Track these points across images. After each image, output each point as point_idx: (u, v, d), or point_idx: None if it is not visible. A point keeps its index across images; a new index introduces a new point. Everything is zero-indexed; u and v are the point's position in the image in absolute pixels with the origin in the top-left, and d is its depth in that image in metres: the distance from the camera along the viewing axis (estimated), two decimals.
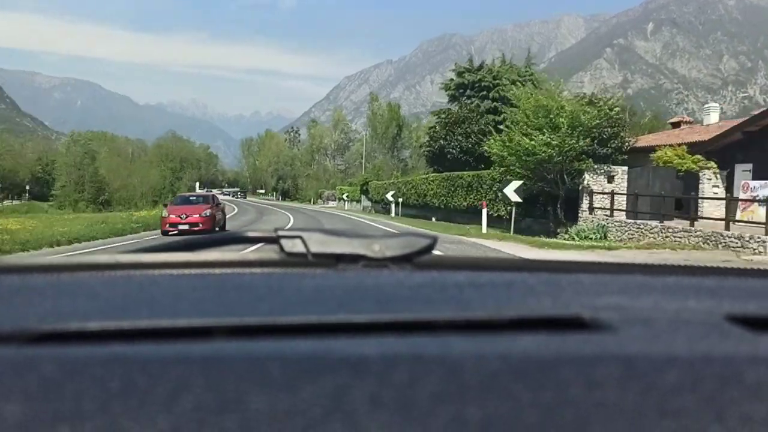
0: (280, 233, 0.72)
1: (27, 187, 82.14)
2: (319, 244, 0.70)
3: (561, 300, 0.62)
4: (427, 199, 32.84)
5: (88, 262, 0.72)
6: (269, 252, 0.74)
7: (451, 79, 46.51)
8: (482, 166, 31.43)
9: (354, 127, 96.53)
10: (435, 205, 31.73)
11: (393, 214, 37.13)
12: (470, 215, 27.32)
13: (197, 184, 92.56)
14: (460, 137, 34.18)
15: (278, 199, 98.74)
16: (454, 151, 34.16)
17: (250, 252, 0.78)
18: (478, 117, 35.49)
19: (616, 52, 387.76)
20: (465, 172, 28.79)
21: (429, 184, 32.85)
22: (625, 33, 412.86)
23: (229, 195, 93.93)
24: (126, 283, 0.65)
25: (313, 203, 75.08)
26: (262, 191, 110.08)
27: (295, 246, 0.70)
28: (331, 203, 67.45)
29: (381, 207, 44.42)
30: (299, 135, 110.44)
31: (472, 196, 27.07)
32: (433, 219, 31.03)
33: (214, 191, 76.43)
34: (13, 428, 0.33)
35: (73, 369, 0.40)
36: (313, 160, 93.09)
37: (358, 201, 53.30)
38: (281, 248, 0.71)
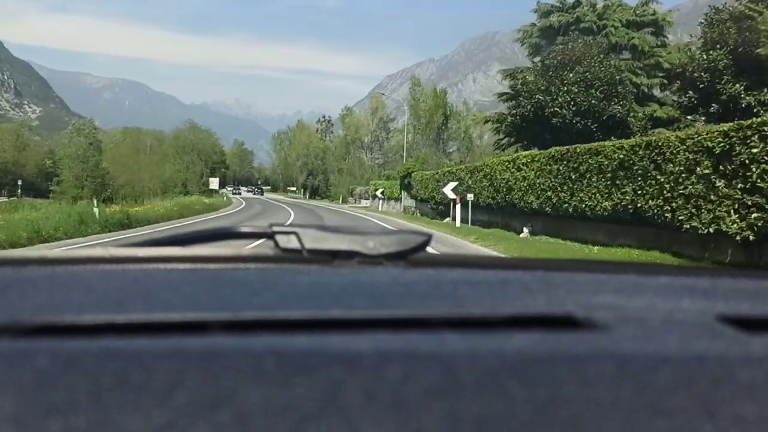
0: (276, 229, 0.71)
1: (19, 182, 70.52)
2: (314, 241, 0.70)
3: (555, 298, 0.62)
4: (514, 196, 18.34)
5: (83, 255, 0.71)
6: (264, 248, 0.74)
7: (533, 24, 31.62)
8: (612, 137, 17.13)
9: (394, 126, 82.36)
10: (530, 205, 17.25)
11: (457, 222, 22.08)
12: (626, 228, 12.84)
13: (216, 180, 80.00)
14: (574, 88, 19.23)
15: (305, 197, 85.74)
16: (564, 112, 19.32)
17: (247, 248, 0.77)
18: (600, 59, 20.59)
19: None
20: (602, 143, 13.95)
21: (521, 169, 17.99)
22: None
23: (239, 193, 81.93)
24: (121, 276, 0.65)
25: (342, 202, 61.44)
26: (293, 188, 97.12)
27: (290, 242, 0.70)
28: (364, 202, 53.55)
29: (430, 208, 30.17)
30: (332, 125, 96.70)
31: (625, 191, 12.51)
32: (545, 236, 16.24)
33: (227, 188, 67.77)
34: (7, 421, 0.33)
35: (68, 362, 0.39)
36: (348, 153, 79.30)
37: (397, 199, 39.13)
38: (276, 244, 0.70)
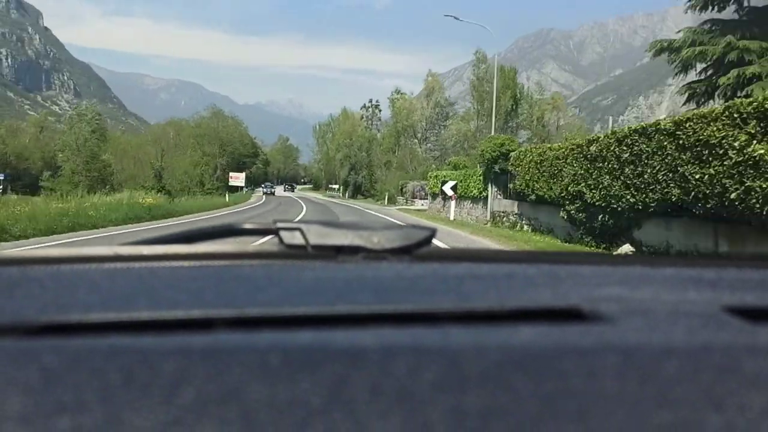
0: (280, 225, 0.71)
1: (2, 177, 57.54)
2: (319, 236, 0.69)
3: (560, 291, 0.61)
4: None
5: (88, 254, 0.70)
6: (269, 244, 0.72)
7: None
8: None
9: (454, 111, 65.87)
10: None
11: None
12: None
13: (241, 176, 65.61)
14: None
15: (344, 196, 70.52)
16: None
17: (254, 245, 0.76)
18: None
19: None
20: None
21: None
22: None
23: (270, 192, 68.21)
24: (126, 274, 0.64)
25: (389, 202, 45.69)
26: (335, 186, 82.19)
27: (294, 238, 0.69)
28: (419, 202, 37.63)
29: (565, 218, 14.07)
30: (380, 110, 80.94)
31: None
32: None
33: (263, 186, 61.16)
34: (15, 420, 0.33)
35: (74, 361, 0.39)
36: (397, 144, 63.53)
37: (476, 198, 23.06)
38: (281, 240, 0.70)
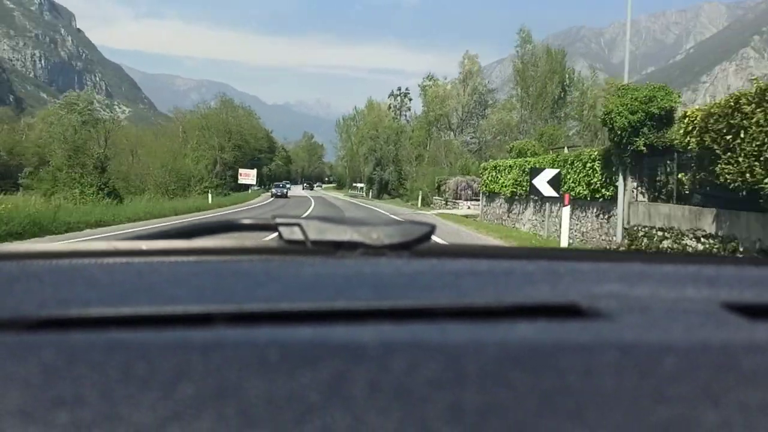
0: (279, 221, 0.70)
1: None
2: (318, 232, 0.68)
3: (559, 288, 0.60)
4: None
5: (87, 249, 0.69)
6: (269, 240, 0.71)
7: None
8: None
9: (494, 99, 55.90)
10: None
11: None
12: None
13: (251, 173, 56.68)
14: None
15: (368, 196, 61.17)
16: None
17: (252, 239, 0.75)
18: None
19: (765, 39, 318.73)
20: None
21: None
22: None
23: (281, 193, 58.71)
24: (125, 269, 0.63)
25: (423, 204, 35.68)
26: (360, 184, 72.84)
27: (293, 233, 0.68)
28: (465, 204, 27.81)
29: None
30: (410, 99, 71.00)
31: None
32: None
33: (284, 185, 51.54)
34: (14, 414, 0.32)
35: (73, 355, 0.39)
36: (429, 137, 53.93)
37: (584, 199, 12.92)
38: (280, 236, 0.69)
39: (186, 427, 0.32)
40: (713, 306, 0.54)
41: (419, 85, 57.48)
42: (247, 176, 58.25)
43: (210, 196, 30.55)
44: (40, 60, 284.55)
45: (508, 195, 18.47)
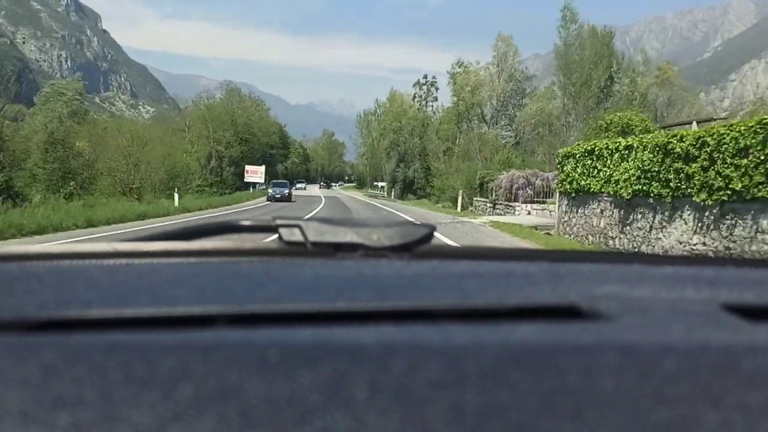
0: (279, 222, 0.70)
1: None
2: (318, 233, 0.68)
3: (559, 289, 0.60)
4: None
5: (87, 250, 0.69)
6: (269, 241, 0.71)
7: None
8: None
9: (532, 87, 48.14)
10: None
11: None
12: None
13: (259, 170, 49.80)
14: None
15: (390, 197, 53.55)
16: None
17: (257, 242, 0.75)
18: None
19: None
20: None
21: None
22: None
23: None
24: (125, 271, 0.63)
25: (460, 209, 27.47)
26: (381, 183, 65.47)
27: (293, 235, 0.68)
28: (524, 209, 20.15)
29: None
30: (436, 88, 63.18)
31: None
32: None
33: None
34: (15, 415, 0.32)
35: (74, 357, 0.38)
36: (459, 130, 46.41)
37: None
38: (280, 237, 0.68)
39: (186, 428, 0.32)
40: (713, 307, 0.53)
41: (448, 72, 49.86)
42: (255, 174, 51.26)
43: (176, 197, 23.20)
44: (66, 60, 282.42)
45: (626, 196, 10.77)
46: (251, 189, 50.35)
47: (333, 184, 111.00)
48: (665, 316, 0.51)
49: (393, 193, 53.77)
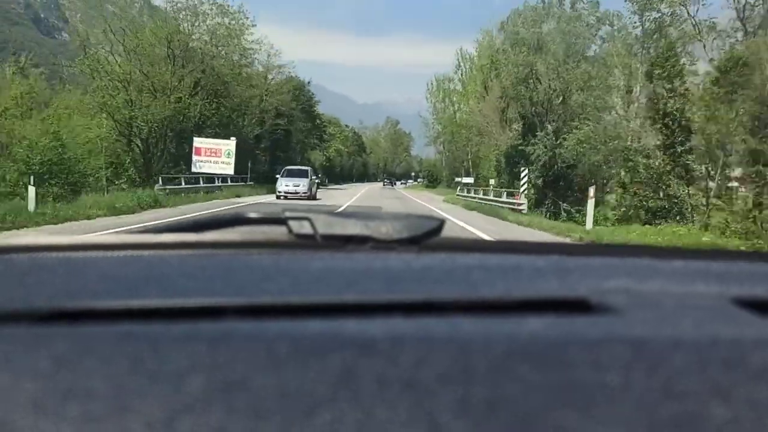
0: (288, 214, 0.68)
1: None
2: (327, 226, 0.66)
3: (568, 282, 0.58)
4: None
5: (98, 241, 0.68)
6: (278, 233, 0.70)
7: None
8: None
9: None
10: None
11: None
12: None
13: (228, 148, 20.81)
14: None
15: (526, 206, 21.20)
16: None
17: (260, 233, 0.73)
18: None
19: None
20: None
21: None
22: None
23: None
24: (136, 262, 0.61)
25: None
26: (467, 179, 36.14)
27: (303, 227, 0.66)
28: None
29: None
30: None
31: None
32: None
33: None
34: (26, 405, 0.32)
35: (84, 348, 0.38)
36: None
37: None
38: (289, 230, 0.67)
39: (196, 419, 0.31)
40: (723, 302, 0.52)
41: None
42: (214, 155, 23.06)
43: (32, 194, 10.27)
44: None
45: None
46: (218, 183, 23.56)
47: (397, 182, 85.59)
48: (675, 310, 0.49)
49: (522, 197, 23.12)
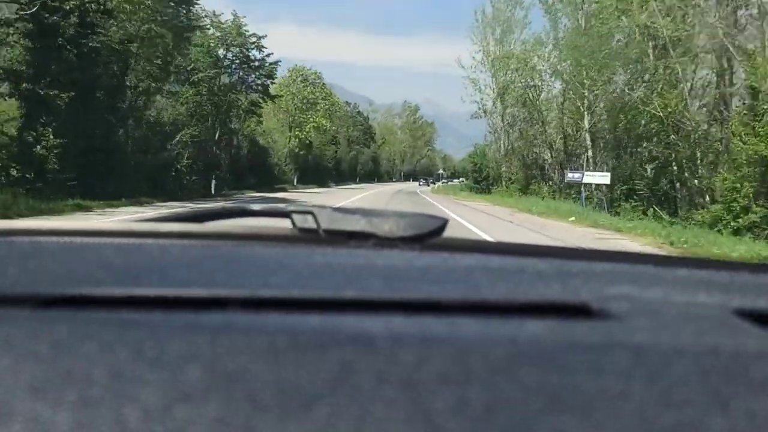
0: (292, 208, 0.67)
1: None
2: (331, 221, 0.64)
3: (570, 287, 0.56)
4: None
5: (100, 228, 0.66)
6: (281, 227, 0.69)
7: None
8: None
9: None
10: None
11: None
12: None
13: None
14: None
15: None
16: None
17: (260, 226, 0.72)
18: None
19: None
20: None
21: None
22: None
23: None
24: (138, 250, 0.60)
25: None
26: (600, 177, 18.06)
27: (306, 222, 0.65)
28: None
29: None
30: None
31: None
32: None
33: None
34: (25, 390, 0.31)
35: (84, 334, 0.37)
36: None
37: None
38: (293, 223, 0.65)
39: (193, 409, 0.30)
40: (725, 312, 0.50)
41: None
42: None
43: None
44: None
45: None
46: None
47: (431, 181, 71.42)
48: (676, 319, 0.48)
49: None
